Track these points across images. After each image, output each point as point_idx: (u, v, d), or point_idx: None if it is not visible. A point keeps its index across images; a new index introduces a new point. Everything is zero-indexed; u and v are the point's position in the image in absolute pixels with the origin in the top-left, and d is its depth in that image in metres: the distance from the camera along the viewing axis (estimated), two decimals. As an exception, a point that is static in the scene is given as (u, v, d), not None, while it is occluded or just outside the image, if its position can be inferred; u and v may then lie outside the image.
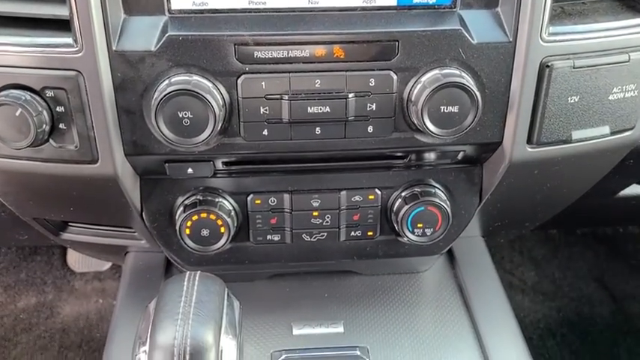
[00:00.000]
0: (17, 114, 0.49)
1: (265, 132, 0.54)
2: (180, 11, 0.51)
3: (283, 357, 0.64)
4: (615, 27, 0.54)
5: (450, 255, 0.77)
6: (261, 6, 0.52)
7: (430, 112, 0.52)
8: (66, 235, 0.73)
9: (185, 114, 0.50)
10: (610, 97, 0.56)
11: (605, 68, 0.54)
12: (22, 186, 0.60)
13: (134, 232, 0.71)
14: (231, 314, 0.47)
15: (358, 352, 0.64)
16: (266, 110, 0.53)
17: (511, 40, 0.52)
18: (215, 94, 0.50)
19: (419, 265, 0.73)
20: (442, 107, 0.52)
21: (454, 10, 0.53)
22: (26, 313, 1.40)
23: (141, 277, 0.74)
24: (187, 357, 0.42)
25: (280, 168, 0.61)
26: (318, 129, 0.54)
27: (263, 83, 0.52)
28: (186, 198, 0.61)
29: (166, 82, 0.50)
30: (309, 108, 0.53)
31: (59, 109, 0.51)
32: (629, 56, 0.55)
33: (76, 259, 1.40)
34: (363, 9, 0.52)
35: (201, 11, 0.52)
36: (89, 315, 1.40)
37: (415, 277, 0.74)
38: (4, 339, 1.37)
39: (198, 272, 0.48)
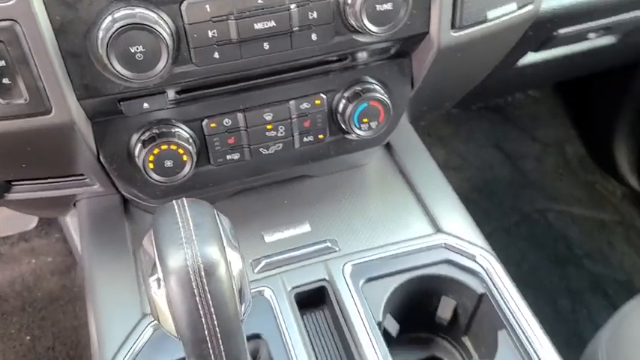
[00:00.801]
0: (-38, 74, 0.47)
1: (216, 55, 0.55)
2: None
3: (262, 263, 0.69)
4: None
5: (387, 145, 0.83)
6: None
7: (367, 12, 0.55)
8: (11, 196, 0.71)
9: (137, 49, 0.50)
10: (515, -24, 0.62)
11: (511, -52, 0.60)
12: None
13: (85, 179, 0.71)
14: (226, 230, 0.51)
15: (328, 244, 0.71)
16: (214, 33, 0.54)
17: None
18: (162, 24, 0.51)
19: (363, 159, 0.80)
20: (377, 6, 0.55)
21: None
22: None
23: (100, 222, 0.75)
24: (202, 273, 0.45)
25: (230, 89, 0.62)
26: (266, 44, 0.56)
27: (207, 6, 0.52)
28: (142, 134, 0.62)
29: (109, 18, 0.50)
30: (255, 25, 0.54)
31: (0, 63, 0.49)
32: None
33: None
34: None
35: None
36: (24, 277, 1.36)
37: (360, 170, 0.81)
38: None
39: (184, 198, 0.51)
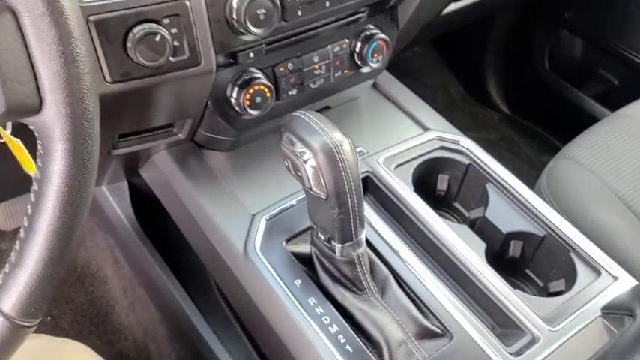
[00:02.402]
0: (157, 39, 0.67)
1: (299, 12, 0.80)
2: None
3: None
4: None
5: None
6: None
7: None
8: (117, 151, 0.89)
9: (261, 11, 0.74)
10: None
11: None
12: (134, 102, 0.76)
13: (172, 129, 0.91)
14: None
15: (361, 149, 0.98)
16: (298, -4, 0.79)
17: None
18: (271, -7, 0.75)
19: (367, 87, 1.08)
20: (393, -30, 0.84)
21: None
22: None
23: (186, 163, 0.95)
24: (339, 147, 0.70)
25: (291, 41, 0.87)
26: (327, 2, 0.82)
27: (295, -20, 0.77)
28: (235, 80, 0.84)
29: (240, -10, 0.73)
30: (323, -11, 0.80)
31: (173, 30, 0.70)
32: None
33: (2, 219, 1.41)
34: None
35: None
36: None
37: (357, 101, 1.09)
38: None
39: (302, 110, 0.75)
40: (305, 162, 0.71)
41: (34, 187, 0.45)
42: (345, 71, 0.96)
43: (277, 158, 0.95)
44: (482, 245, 0.88)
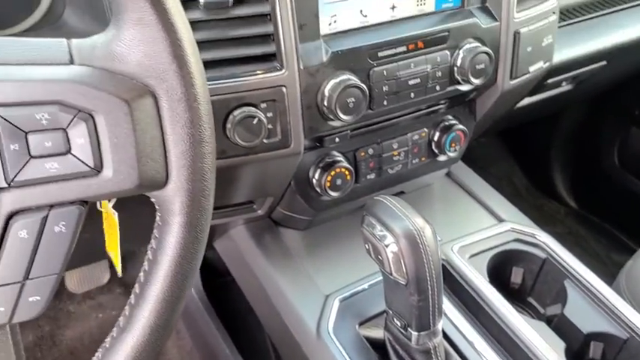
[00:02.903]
0: (254, 122, 0.72)
1: (385, 102, 0.83)
2: (326, 35, 0.78)
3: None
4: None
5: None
6: (367, 23, 0.81)
7: (471, 70, 0.87)
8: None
9: (350, 100, 0.78)
10: (542, 44, 0.97)
11: (541, 27, 0.95)
12: (223, 179, 0.80)
13: (252, 206, 0.94)
14: None
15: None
16: (386, 88, 0.82)
17: (499, 22, 0.90)
18: (362, 83, 0.79)
19: (440, 175, 1.10)
20: (477, 66, 0.87)
21: (465, 8, 0.89)
22: (28, 351, 1.43)
23: (261, 239, 0.97)
24: (421, 233, 0.71)
25: (373, 127, 0.91)
26: (412, 94, 0.85)
27: (384, 71, 0.81)
28: (318, 163, 0.88)
29: (333, 81, 0.77)
30: (409, 82, 0.84)
31: (269, 114, 0.74)
32: (548, 19, 0.96)
33: (75, 283, 1.46)
34: (421, 14, 0.85)
35: (335, 33, 0.79)
36: (92, 331, 1.48)
37: (430, 187, 1.11)
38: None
39: (383, 195, 0.77)
40: (386, 246, 0.72)
41: (148, 255, 0.48)
42: (423, 159, 0.98)
43: (352, 239, 0.98)
44: (562, 345, 0.85)
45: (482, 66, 0.88)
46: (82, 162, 0.42)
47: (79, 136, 0.41)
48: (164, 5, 0.42)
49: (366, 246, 0.75)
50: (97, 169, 0.42)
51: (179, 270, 0.47)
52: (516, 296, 1.03)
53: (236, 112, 0.72)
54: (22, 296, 0.43)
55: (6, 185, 0.41)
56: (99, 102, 0.41)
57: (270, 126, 0.75)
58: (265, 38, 0.73)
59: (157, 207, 0.47)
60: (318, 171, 0.88)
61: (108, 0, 0.70)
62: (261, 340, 1.08)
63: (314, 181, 0.88)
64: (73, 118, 0.41)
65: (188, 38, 0.43)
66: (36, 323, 1.47)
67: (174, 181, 0.45)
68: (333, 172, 0.87)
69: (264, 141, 0.75)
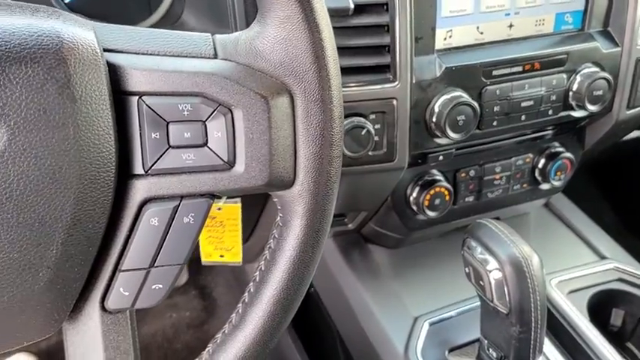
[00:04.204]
0: (363, 133, 0.71)
1: (495, 123, 0.80)
2: (440, 50, 0.76)
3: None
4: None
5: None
6: (482, 40, 0.79)
7: (588, 96, 0.82)
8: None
9: (461, 117, 0.75)
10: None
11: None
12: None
13: (344, 219, 0.93)
14: None
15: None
16: (497, 108, 0.79)
17: (620, 47, 0.85)
18: (474, 101, 0.76)
19: (538, 204, 1.05)
20: (594, 92, 0.83)
21: (586, 31, 0.84)
22: (103, 342, 1.47)
23: (354, 257, 0.96)
24: (528, 261, 0.67)
25: (478, 149, 0.88)
26: (523, 116, 0.82)
27: (497, 91, 0.78)
28: (417, 181, 0.86)
29: (443, 97, 0.75)
30: (522, 104, 0.81)
31: (377, 126, 0.73)
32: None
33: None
34: (538, 34, 0.82)
35: (449, 49, 0.77)
36: (165, 330, 1.51)
37: (526, 216, 1.06)
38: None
39: (486, 219, 0.74)
40: (489, 272, 0.69)
41: (266, 255, 0.48)
42: (524, 185, 0.94)
43: (442, 262, 0.94)
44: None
45: (599, 92, 0.83)
46: (217, 155, 0.42)
47: (217, 130, 0.41)
48: (312, 4, 0.41)
49: (466, 270, 0.72)
50: (230, 163, 0.42)
51: (296, 272, 0.46)
52: (614, 340, 0.96)
53: (345, 122, 0.71)
54: (146, 283, 0.44)
55: (143, 173, 0.41)
56: (240, 97, 0.41)
57: (376, 138, 0.74)
58: (380, 49, 0.72)
59: (278, 207, 0.47)
60: (417, 189, 0.85)
61: None
62: (333, 353, 1.05)
63: (411, 198, 0.86)
64: (213, 112, 0.41)
65: (330, 39, 0.43)
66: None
67: (301, 183, 0.44)
68: (432, 191, 0.84)
69: (370, 153, 0.74)
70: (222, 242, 0.71)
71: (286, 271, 0.46)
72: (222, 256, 0.72)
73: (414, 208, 0.86)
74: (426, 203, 0.85)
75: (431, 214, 0.86)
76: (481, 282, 0.70)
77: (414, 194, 0.85)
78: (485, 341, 0.74)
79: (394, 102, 0.73)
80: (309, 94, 0.43)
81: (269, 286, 0.46)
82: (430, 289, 0.90)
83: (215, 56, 0.43)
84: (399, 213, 0.88)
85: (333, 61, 0.43)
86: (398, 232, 0.92)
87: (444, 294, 0.88)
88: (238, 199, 0.67)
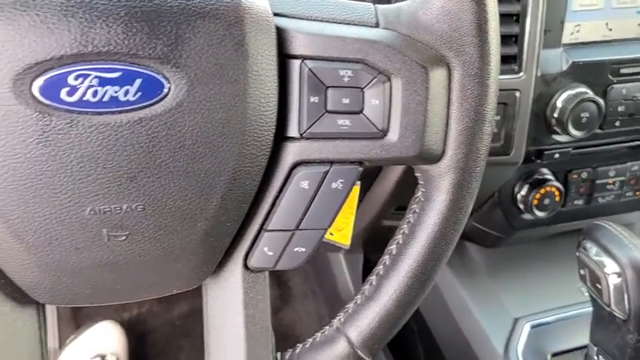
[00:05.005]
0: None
1: (617, 123, 0.77)
2: (566, 44, 0.74)
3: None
4: None
5: None
6: (610, 37, 0.76)
7: None
8: (387, 222, 0.92)
9: (584, 114, 0.73)
10: None
11: None
12: None
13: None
14: None
15: None
16: (622, 109, 0.76)
17: None
18: (600, 100, 0.74)
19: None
20: None
21: None
22: (181, 319, 1.52)
23: (452, 254, 0.94)
24: None
25: (593, 150, 0.84)
26: (643, 120, 0.79)
27: (623, 90, 0.75)
28: (526, 179, 0.83)
29: (567, 93, 0.73)
30: (647, 104, 0.77)
31: (497, 117, 0.72)
32: None
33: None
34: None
35: (576, 44, 0.75)
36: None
37: (635, 226, 1.01)
38: (168, 344, 1.48)
39: (603, 221, 0.70)
40: (608, 275, 0.66)
41: (404, 229, 0.47)
42: (637, 193, 0.90)
43: (546, 265, 0.91)
44: None
45: None
46: (372, 123, 0.42)
47: (375, 98, 0.42)
48: None
49: (581, 272, 0.70)
50: (384, 132, 0.42)
51: (435, 249, 0.46)
52: None
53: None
54: (289, 245, 0.44)
55: (298, 135, 0.42)
56: (400, 66, 0.41)
57: (495, 129, 0.72)
58: (507, 39, 0.71)
59: (421, 182, 0.47)
60: (526, 187, 0.83)
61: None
62: (412, 348, 1.04)
63: (519, 196, 0.84)
64: (372, 79, 0.41)
65: (495, 14, 0.42)
66: (192, 295, 1.56)
67: (450, 157, 0.44)
68: (542, 190, 0.82)
69: (486, 144, 0.73)
70: (335, 221, 0.72)
71: (426, 246, 0.46)
72: (331, 234, 0.72)
73: (521, 206, 0.84)
74: (535, 202, 0.82)
75: (539, 213, 0.83)
76: (598, 285, 0.67)
77: (523, 192, 0.83)
78: (595, 348, 0.71)
79: (517, 94, 0.71)
80: (468, 67, 0.42)
81: (407, 259, 0.46)
82: (531, 291, 0.87)
83: (377, 25, 0.43)
84: (505, 211, 0.86)
85: (496, 37, 0.43)
86: (500, 230, 0.90)
87: (546, 297, 0.85)
88: (358, 182, 0.67)
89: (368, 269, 1.25)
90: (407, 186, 0.80)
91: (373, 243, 1.16)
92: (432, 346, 0.96)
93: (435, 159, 0.44)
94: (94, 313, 1.46)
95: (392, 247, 0.48)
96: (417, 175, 0.47)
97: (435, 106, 0.43)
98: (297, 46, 0.41)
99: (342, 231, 0.75)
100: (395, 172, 0.78)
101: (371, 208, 0.87)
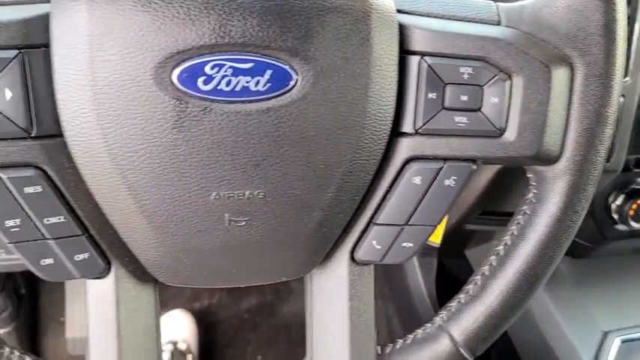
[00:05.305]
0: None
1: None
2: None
3: None
4: None
5: None
6: None
7: None
8: (469, 226, 0.91)
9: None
10: None
11: None
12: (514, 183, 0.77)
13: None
14: None
15: None
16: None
17: None
18: None
19: None
20: None
21: None
22: (249, 313, 1.55)
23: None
24: None
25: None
26: None
27: None
28: (622, 187, 0.80)
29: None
30: None
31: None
32: None
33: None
34: None
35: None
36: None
37: None
38: (237, 337, 1.51)
39: None
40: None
41: (513, 231, 0.47)
42: None
43: (635, 279, 0.88)
44: None
45: None
46: (489, 121, 0.42)
47: (494, 96, 0.41)
48: None
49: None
50: (501, 130, 0.42)
51: (546, 251, 0.45)
52: None
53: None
54: (398, 239, 0.45)
55: (413, 131, 0.42)
56: (523, 64, 0.41)
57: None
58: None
59: (533, 183, 0.46)
60: (622, 196, 0.80)
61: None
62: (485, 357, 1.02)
63: (613, 206, 0.81)
64: (493, 77, 0.41)
65: (623, 13, 0.41)
66: (261, 291, 1.58)
67: (567, 159, 0.43)
68: (639, 201, 0.79)
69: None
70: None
71: (537, 247, 0.45)
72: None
73: (615, 216, 0.81)
74: (631, 213, 0.79)
75: (635, 225, 0.80)
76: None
77: (618, 202, 0.80)
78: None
79: (621, 99, 0.69)
80: (592, 68, 0.41)
81: (516, 260, 0.46)
82: (621, 305, 0.84)
83: (498, 23, 0.42)
84: (598, 220, 0.83)
85: (623, 37, 0.41)
86: (590, 240, 0.87)
87: (638, 312, 0.82)
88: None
89: (442, 274, 1.23)
90: (497, 191, 0.78)
91: (450, 248, 1.15)
92: (512, 355, 0.93)
93: (552, 160, 0.44)
94: (168, 301, 1.52)
95: (499, 248, 0.47)
96: (529, 176, 0.46)
97: (556, 106, 0.42)
98: (418, 43, 0.41)
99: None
100: (486, 175, 0.77)
101: (455, 212, 0.86)
